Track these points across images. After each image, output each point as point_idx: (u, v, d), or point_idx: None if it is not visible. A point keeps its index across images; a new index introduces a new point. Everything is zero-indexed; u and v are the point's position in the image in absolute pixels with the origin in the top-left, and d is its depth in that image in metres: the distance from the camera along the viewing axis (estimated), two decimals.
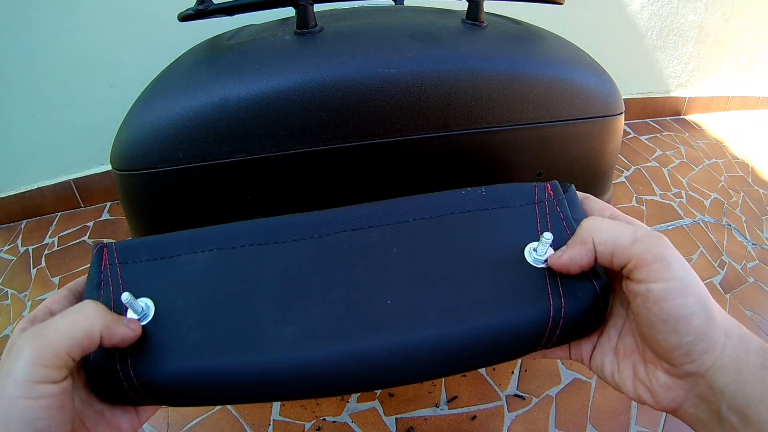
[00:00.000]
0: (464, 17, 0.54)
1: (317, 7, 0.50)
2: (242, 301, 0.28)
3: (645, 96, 1.61)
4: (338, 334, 0.26)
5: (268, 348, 0.26)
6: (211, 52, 0.52)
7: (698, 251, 1.11)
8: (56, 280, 0.99)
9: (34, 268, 1.02)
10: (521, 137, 0.51)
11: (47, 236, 1.11)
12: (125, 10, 0.96)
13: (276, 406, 0.75)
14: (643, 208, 1.23)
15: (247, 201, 0.47)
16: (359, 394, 0.76)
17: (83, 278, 0.29)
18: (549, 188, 0.31)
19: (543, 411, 0.76)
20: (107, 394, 0.26)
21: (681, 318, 0.22)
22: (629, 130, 1.58)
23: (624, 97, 1.15)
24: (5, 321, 0.91)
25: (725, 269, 1.07)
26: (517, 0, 0.55)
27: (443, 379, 0.79)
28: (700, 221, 1.20)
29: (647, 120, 1.66)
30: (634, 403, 0.78)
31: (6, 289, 0.97)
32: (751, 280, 1.05)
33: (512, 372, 0.82)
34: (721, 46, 1.60)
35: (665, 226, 1.18)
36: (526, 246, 0.29)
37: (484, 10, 0.54)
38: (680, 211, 1.23)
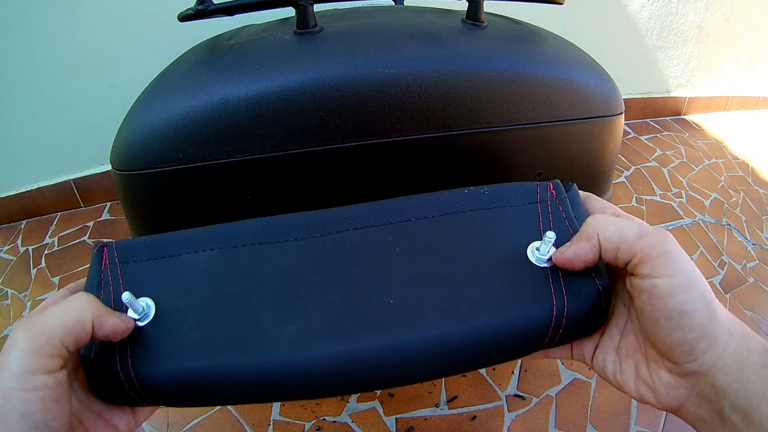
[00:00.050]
0: (464, 17, 0.54)
1: (317, 7, 0.50)
2: (242, 300, 0.27)
3: (645, 96, 1.61)
4: (338, 334, 0.26)
5: (268, 348, 0.26)
6: (211, 52, 0.52)
7: (698, 251, 1.11)
8: (56, 280, 0.99)
9: (34, 268, 1.02)
10: (521, 137, 0.51)
11: (47, 236, 1.10)
12: (125, 10, 0.96)
13: (276, 406, 0.75)
14: (643, 208, 1.23)
15: (247, 201, 0.47)
16: (359, 394, 0.76)
17: (83, 280, 0.29)
18: (551, 187, 0.31)
19: (543, 411, 0.76)
20: (107, 393, 0.26)
21: (684, 314, 0.22)
22: (629, 130, 1.58)
23: (624, 97, 1.15)
24: (5, 321, 0.91)
25: (725, 269, 1.07)
26: (517, 0, 0.55)
27: (443, 379, 0.79)
28: (700, 221, 1.20)
29: (647, 120, 1.66)
30: (634, 403, 0.78)
31: (6, 289, 0.97)
32: (751, 280, 1.05)
33: (512, 372, 0.82)
34: (721, 46, 1.60)
35: (665, 226, 1.18)
36: (528, 245, 0.29)
37: (484, 10, 0.54)
38: (680, 211, 1.23)
